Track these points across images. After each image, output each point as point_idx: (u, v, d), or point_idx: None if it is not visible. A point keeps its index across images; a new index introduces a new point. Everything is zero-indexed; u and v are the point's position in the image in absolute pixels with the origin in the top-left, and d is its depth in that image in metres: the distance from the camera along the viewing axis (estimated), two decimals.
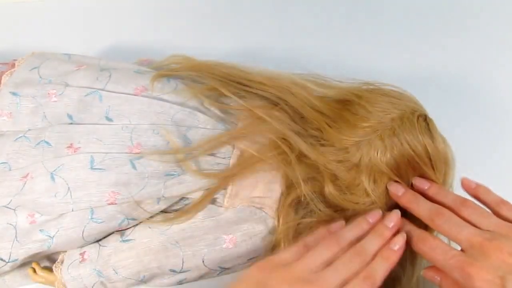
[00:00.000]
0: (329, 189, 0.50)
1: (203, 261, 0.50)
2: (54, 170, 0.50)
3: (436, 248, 0.43)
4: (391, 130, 0.49)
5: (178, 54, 0.61)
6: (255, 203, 0.51)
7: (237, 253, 0.50)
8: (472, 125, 0.70)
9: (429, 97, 0.54)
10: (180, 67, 0.58)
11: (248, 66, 0.58)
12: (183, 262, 0.49)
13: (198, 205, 0.50)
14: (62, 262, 0.52)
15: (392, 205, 0.50)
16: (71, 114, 0.53)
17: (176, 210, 0.52)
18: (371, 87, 0.53)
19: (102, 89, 0.53)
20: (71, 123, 0.53)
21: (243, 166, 0.51)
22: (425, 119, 0.50)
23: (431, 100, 0.54)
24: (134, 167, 0.49)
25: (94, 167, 0.49)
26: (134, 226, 0.52)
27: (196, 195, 0.50)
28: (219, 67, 0.58)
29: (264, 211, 0.51)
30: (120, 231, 0.52)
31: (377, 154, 0.49)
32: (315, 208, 0.50)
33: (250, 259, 0.51)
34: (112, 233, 0.52)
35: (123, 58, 0.61)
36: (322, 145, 0.50)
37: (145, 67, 0.59)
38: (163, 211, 0.52)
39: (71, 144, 0.51)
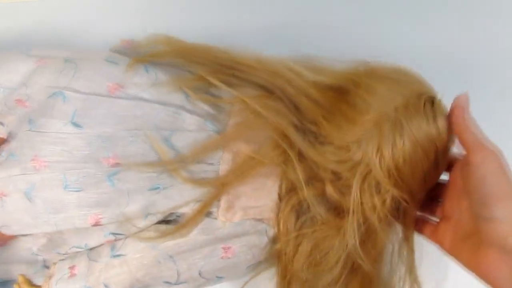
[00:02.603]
0: (329, 191, 0.45)
1: (199, 274, 0.46)
2: (28, 189, 0.44)
3: None
4: (394, 122, 0.42)
5: (159, 33, 0.52)
6: (254, 214, 0.45)
7: (234, 263, 0.46)
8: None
9: (436, 75, 0.47)
10: (161, 52, 0.50)
11: (234, 47, 0.49)
12: (178, 275, 0.46)
13: (192, 221, 0.45)
14: (51, 277, 0.49)
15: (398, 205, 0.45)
16: (32, 118, 0.45)
17: (168, 222, 0.46)
18: (370, 68, 0.45)
19: (66, 87, 0.45)
20: (30, 130, 0.45)
21: (240, 172, 0.45)
22: (432, 103, 0.43)
23: (440, 78, 0.46)
24: (113, 184, 0.43)
25: (68, 188, 0.43)
26: (125, 238, 0.47)
27: (186, 209, 0.45)
28: (205, 49, 0.49)
29: (264, 222, 0.45)
30: (111, 242, 0.48)
31: (380, 151, 0.42)
32: (316, 214, 0.44)
33: (249, 266, 0.47)
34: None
35: None
36: (321, 143, 0.44)
37: (119, 54, 0.51)
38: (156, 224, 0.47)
39: (35, 156, 0.44)
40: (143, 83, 0.47)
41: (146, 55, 0.49)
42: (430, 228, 0.46)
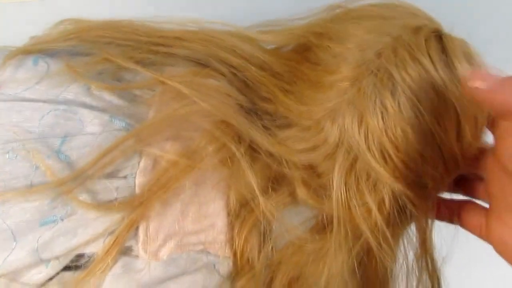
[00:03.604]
0: (301, 195, 0.30)
1: None
2: None
3: None
4: (379, 75, 0.28)
5: (69, 18, 0.40)
6: (192, 244, 0.30)
7: None
8: None
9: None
10: (57, 37, 0.37)
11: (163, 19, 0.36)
12: None
13: (101, 265, 0.30)
14: None
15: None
16: None
17: (77, 268, 0.32)
18: (338, 11, 0.30)
19: None
20: None
21: (161, 185, 0.30)
22: (439, 38, 0.30)
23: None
24: None
25: None
26: None
27: (95, 248, 0.31)
28: (115, 25, 0.36)
29: (210, 253, 0.31)
30: None
31: (364, 123, 0.29)
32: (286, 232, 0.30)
33: None
34: None
35: None
36: (280, 126, 0.29)
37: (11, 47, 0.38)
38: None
39: None
40: (28, 78, 0.34)
41: (36, 42, 0.36)
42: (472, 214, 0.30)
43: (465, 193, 0.34)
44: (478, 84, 0.26)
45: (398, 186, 0.29)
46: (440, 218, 0.33)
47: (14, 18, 0.65)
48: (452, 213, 0.32)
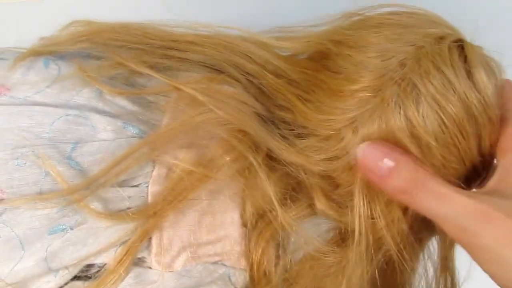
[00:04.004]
0: (321, 206, 0.30)
1: None
2: None
3: None
4: (402, 85, 0.28)
5: (79, 19, 0.39)
6: (205, 255, 0.30)
7: None
8: None
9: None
10: (68, 38, 0.36)
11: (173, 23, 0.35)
12: None
13: (113, 276, 0.29)
14: None
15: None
16: None
17: (87, 278, 0.32)
18: (356, 18, 0.29)
19: None
20: None
21: (176, 194, 0.29)
22: (461, 48, 0.29)
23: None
24: None
25: None
26: None
27: (106, 258, 0.30)
28: (126, 28, 0.35)
29: (225, 264, 0.30)
30: None
31: (386, 132, 0.28)
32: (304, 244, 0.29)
33: None
34: None
35: None
36: (299, 135, 0.28)
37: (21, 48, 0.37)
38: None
39: None
40: (39, 81, 0.33)
41: (46, 43, 0.35)
42: None
43: None
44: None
45: None
46: None
47: (14, 18, 0.64)
48: None
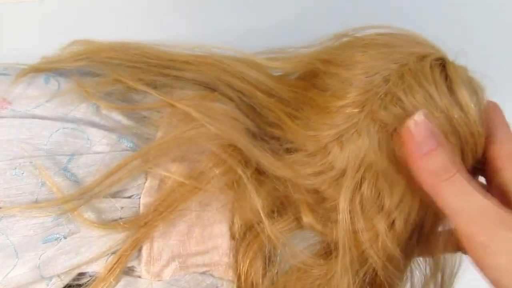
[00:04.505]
0: (308, 220, 0.30)
1: None
2: None
3: None
4: (385, 99, 0.29)
5: (79, 39, 0.40)
6: (194, 265, 0.30)
7: None
8: None
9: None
10: (69, 56, 0.37)
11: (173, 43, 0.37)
12: None
13: (103, 284, 0.30)
14: None
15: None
16: None
17: (79, 286, 0.32)
18: (344, 39, 0.31)
19: None
20: None
21: (166, 206, 0.30)
22: (442, 65, 0.30)
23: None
24: None
25: None
26: None
27: (97, 267, 0.30)
28: (125, 47, 0.37)
29: (213, 275, 0.30)
30: None
31: (372, 146, 0.29)
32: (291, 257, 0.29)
33: None
34: None
35: None
36: (288, 150, 0.29)
37: (24, 65, 0.38)
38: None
39: None
40: (39, 96, 0.34)
41: (47, 61, 0.37)
42: None
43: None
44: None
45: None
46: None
47: (14, 18, 0.65)
48: None
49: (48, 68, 0.36)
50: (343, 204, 0.29)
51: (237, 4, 0.64)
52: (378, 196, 0.29)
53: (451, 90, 0.30)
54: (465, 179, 0.27)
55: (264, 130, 0.33)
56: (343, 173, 0.29)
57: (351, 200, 0.29)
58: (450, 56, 0.32)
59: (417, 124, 0.28)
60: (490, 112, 0.31)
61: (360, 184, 0.29)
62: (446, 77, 0.30)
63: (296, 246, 0.31)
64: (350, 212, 0.30)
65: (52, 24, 0.65)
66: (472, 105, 0.30)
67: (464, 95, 0.30)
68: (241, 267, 0.31)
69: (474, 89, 0.31)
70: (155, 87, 0.34)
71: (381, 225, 0.30)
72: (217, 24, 0.63)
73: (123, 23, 0.64)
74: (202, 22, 0.65)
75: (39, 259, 0.30)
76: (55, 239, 0.31)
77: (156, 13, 0.66)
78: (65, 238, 0.30)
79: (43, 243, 0.30)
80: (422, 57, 0.30)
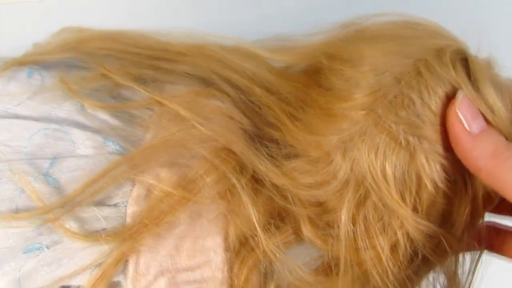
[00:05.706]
0: (307, 234, 0.28)
1: None
2: None
3: None
4: (396, 102, 0.25)
5: (70, 26, 0.37)
6: (184, 282, 0.28)
7: None
8: None
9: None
10: (54, 47, 0.35)
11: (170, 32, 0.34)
12: None
13: None
14: None
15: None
16: None
17: None
18: (352, 29, 0.27)
19: None
20: None
21: (153, 217, 0.28)
22: (465, 61, 0.27)
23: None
24: None
25: None
26: None
27: (81, 280, 0.28)
28: (115, 36, 0.34)
29: None
30: None
31: (378, 156, 0.26)
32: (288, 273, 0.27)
33: None
34: None
35: None
36: (287, 156, 0.26)
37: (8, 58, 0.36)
38: None
39: None
40: (20, 92, 0.31)
41: (32, 53, 0.34)
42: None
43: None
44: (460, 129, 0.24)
45: (418, 226, 0.26)
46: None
47: (14, 18, 0.65)
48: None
49: (33, 61, 0.33)
50: (345, 217, 0.26)
51: None
52: (384, 213, 0.26)
53: (475, 87, 0.27)
54: None
55: (262, 131, 0.30)
56: (346, 184, 0.26)
57: (355, 213, 0.26)
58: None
59: (460, 106, 0.24)
60: None
61: (364, 198, 0.26)
62: (469, 76, 0.26)
63: (295, 260, 0.28)
64: (353, 225, 0.27)
65: (52, 24, 0.65)
66: (501, 105, 0.27)
67: (491, 93, 0.26)
68: (236, 283, 0.28)
69: (500, 87, 0.28)
70: (144, 81, 0.31)
71: (385, 244, 0.27)
72: (217, 14, 0.62)
73: (123, 23, 0.63)
74: (201, 11, 0.63)
75: (19, 271, 0.28)
76: (37, 249, 0.29)
77: (157, 13, 0.65)
78: (48, 248, 0.28)
79: (24, 253, 0.28)
80: (441, 51, 0.26)
